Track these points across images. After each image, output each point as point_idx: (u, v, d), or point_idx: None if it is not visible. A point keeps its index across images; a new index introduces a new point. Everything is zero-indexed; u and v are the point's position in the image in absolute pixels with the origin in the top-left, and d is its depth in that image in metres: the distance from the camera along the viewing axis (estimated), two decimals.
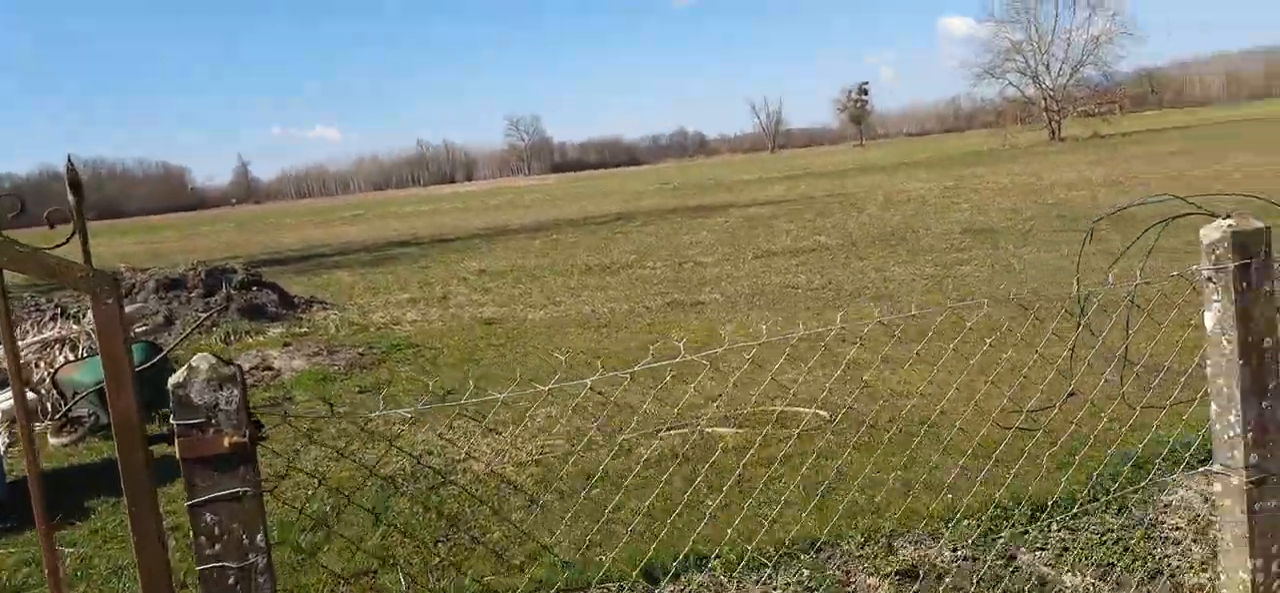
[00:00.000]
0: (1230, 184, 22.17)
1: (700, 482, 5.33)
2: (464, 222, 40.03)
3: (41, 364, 9.66)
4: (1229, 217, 2.83)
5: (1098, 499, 4.65)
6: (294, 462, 4.58)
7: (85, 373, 8.31)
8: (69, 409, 7.99)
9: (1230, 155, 32.32)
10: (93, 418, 7.79)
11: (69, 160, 2.10)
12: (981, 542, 4.41)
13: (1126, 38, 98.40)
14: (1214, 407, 2.99)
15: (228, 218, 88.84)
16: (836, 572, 4.29)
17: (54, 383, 8.40)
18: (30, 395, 8.34)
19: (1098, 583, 4.01)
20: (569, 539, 4.86)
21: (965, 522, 4.59)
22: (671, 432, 6.48)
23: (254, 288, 14.61)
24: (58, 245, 2.00)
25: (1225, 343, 2.90)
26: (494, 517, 5.33)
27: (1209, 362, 2.98)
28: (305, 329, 12.89)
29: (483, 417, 6.90)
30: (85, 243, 2.07)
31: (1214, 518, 4.45)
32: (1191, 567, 4.07)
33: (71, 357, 9.78)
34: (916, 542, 4.51)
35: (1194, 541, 4.29)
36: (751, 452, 5.67)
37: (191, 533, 1.97)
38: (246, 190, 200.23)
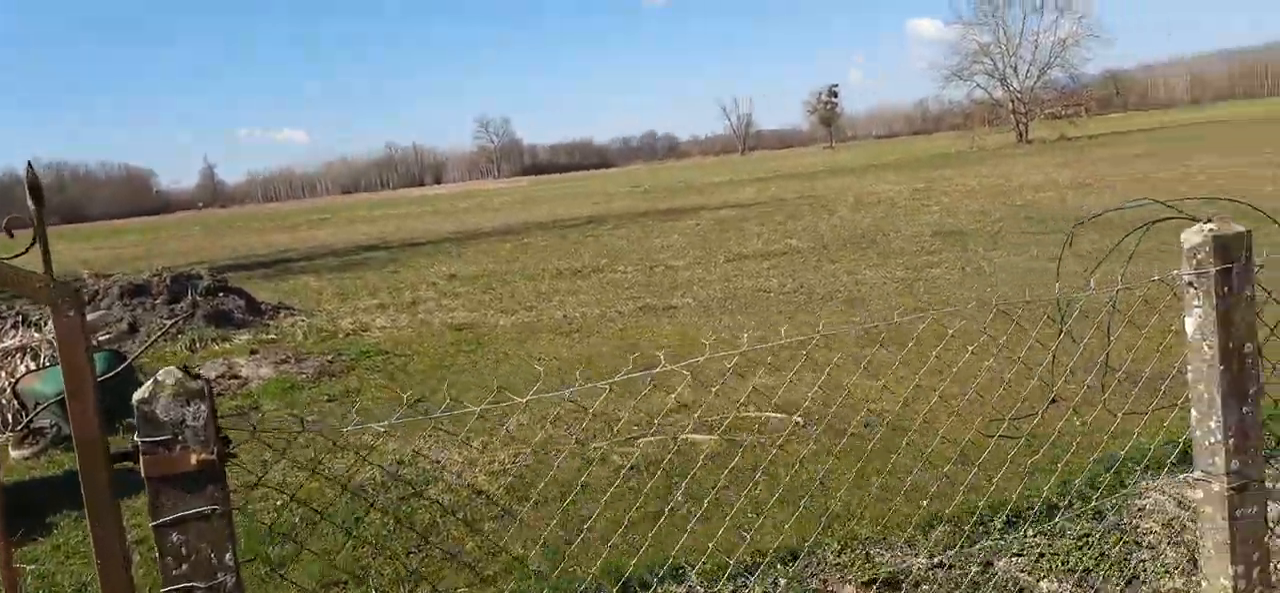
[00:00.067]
0: (1195, 187, 22.46)
1: (678, 492, 5.28)
2: (434, 225, 39.79)
3: (2, 374, 9.45)
4: (1210, 221, 2.81)
5: (1073, 505, 4.65)
6: (263, 478, 4.47)
7: (47, 383, 8.12)
8: (30, 421, 7.82)
9: (1195, 158, 32.74)
10: (55, 429, 7.62)
11: (29, 165, 2.02)
12: (959, 549, 4.39)
13: (1094, 40, 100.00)
14: (1195, 413, 2.98)
15: (194, 222, 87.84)
16: (814, 581, 4.26)
17: (15, 393, 8.21)
18: None
19: (1074, 589, 4.01)
20: (543, 551, 4.80)
21: (942, 529, 4.57)
22: (648, 439, 6.43)
23: (220, 294, 14.40)
24: (16, 256, 1.92)
25: (1206, 348, 2.89)
26: (466, 528, 5.25)
27: (1190, 367, 2.97)
28: (273, 336, 12.72)
29: (457, 433, 6.81)
30: (46, 251, 1.99)
31: (1190, 523, 4.47)
32: (1166, 571, 4.08)
33: (33, 366, 9.57)
34: (894, 549, 4.49)
35: (1169, 545, 4.29)
36: (734, 460, 5.63)
37: (158, 553, 1.89)
38: (213, 194, 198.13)
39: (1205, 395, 2.93)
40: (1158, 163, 32.72)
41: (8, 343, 10.44)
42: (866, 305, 11.23)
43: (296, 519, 5.60)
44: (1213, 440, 2.92)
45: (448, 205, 61.73)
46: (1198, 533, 3.07)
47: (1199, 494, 3.00)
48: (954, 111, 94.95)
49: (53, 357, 9.71)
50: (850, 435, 6.00)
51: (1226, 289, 2.83)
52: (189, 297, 13.98)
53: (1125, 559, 4.19)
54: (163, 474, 1.87)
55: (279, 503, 5.76)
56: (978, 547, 4.37)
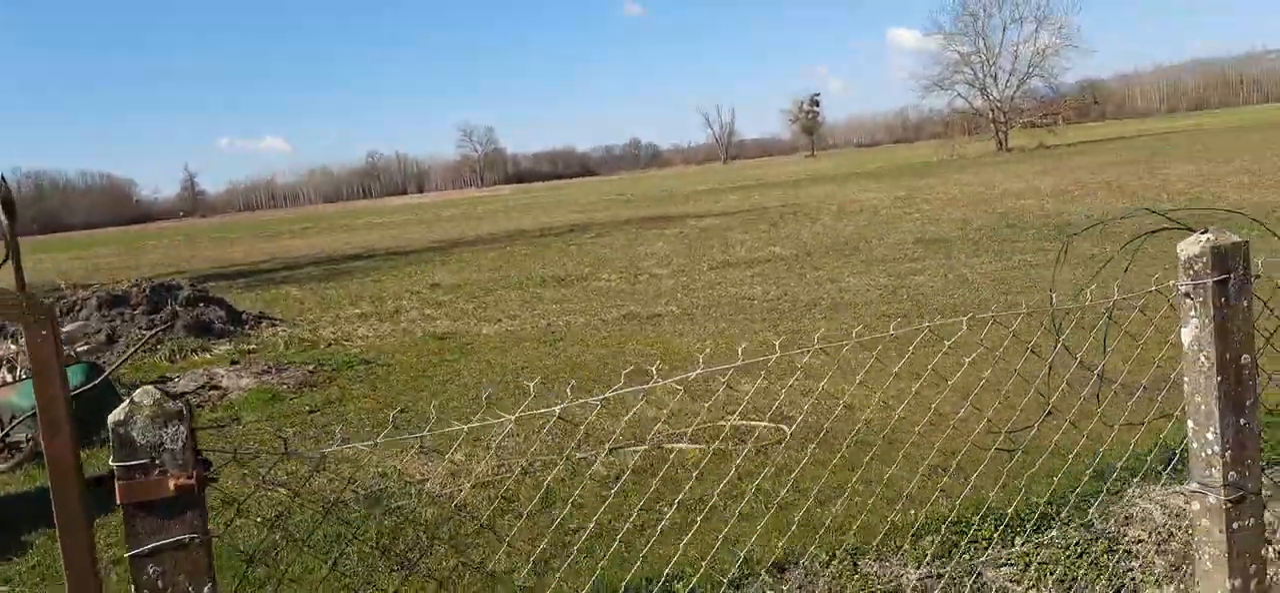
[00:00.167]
0: (1173, 194, 22.60)
1: (667, 509, 5.22)
2: (417, 234, 39.62)
3: None
4: (1207, 231, 2.78)
5: (1064, 515, 4.62)
6: (242, 503, 4.39)
7: (23, 396, 7.98)
8: (6, 434, 7.68)
9: (1172, 166, 32.98)
10: (31, 443, 7.48)
11: (2, 179, 1.95)
12: (947, 559, 4.36)
13: (1072, 50, 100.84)
14: (1191, 424, 2.94)
15: (174, 231, 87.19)
16: (801, 591, 4.21)
17: None
18: None
19: None
20: (527, 564, 4.73)
21: (930, 538, 4.53)
22: (633, 449, 6.37)
23: (200, 304, 14.26)
24: None
25: (1203, 359, 2.86)
26: (449, 542, 5.18)
27: (1186, 378, 2.93)
28: (254, 346, 12.59)
29: (443, 452, 6.73)
30: (18, 266, 1.92)
31: (1176, 531, 4.45)
32: (1154, 580, 4.06)
33: (9, 378, 9.42)
34: (881, 559, 4.45)
35: (1156, 553, 4.27)
36: (728, 473, 5.57)
37: (133, 586, 1.82)
38: (194, 203, 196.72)
39: (1202, 407, 2.89)
40: (1136, 171, 32.92)
41: None
42: (852, 312, 11.21)
43: (277, 537, 5.51)
44: (1209, 452, 2.89)
45: (431, 214, 61.51)
46: (1194, 546, 3.04)
47: (1195, 506, 2.97)
48: (934, 120, 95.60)
49: (29, 369, 9.56)
50: (843, 448, 5.95)
51: (1223, 300, 2.80)
52: (169, 307, 13.83)
53: (1113, 568, 4.17)
54: (139, 501, 1.79)
55: (259, 519, 5.67)
56: (968, 557, 4.33)
